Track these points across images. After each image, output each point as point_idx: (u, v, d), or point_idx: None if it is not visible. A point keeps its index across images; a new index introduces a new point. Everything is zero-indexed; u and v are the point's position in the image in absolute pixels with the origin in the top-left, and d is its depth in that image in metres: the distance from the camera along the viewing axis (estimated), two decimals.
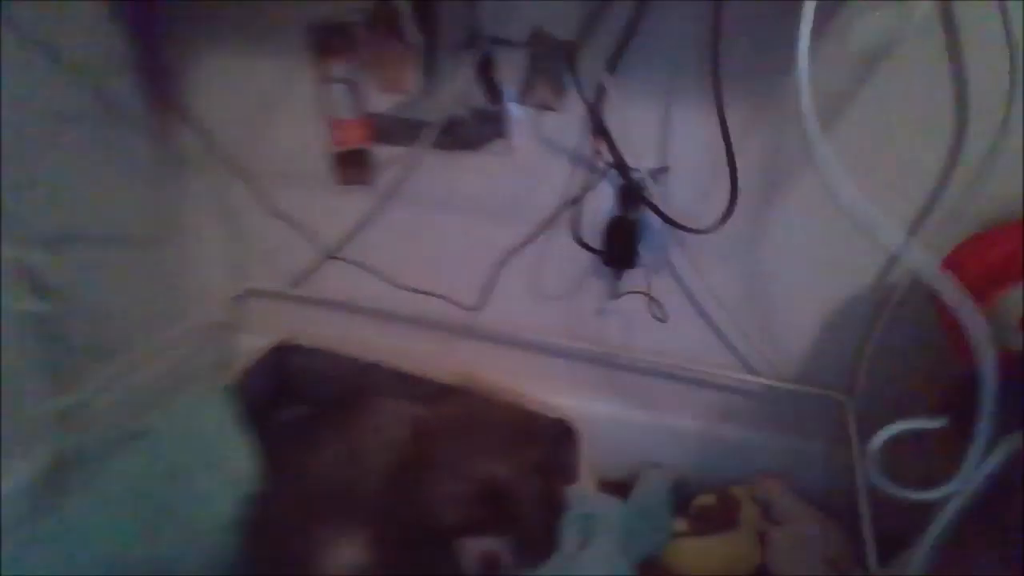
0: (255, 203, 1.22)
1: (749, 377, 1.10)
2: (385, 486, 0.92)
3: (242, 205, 1.23)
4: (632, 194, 1.02)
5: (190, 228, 1.27)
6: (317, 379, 1.20)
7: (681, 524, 1.05)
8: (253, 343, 1.29)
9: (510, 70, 1.02)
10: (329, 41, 1.09)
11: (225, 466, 1.01)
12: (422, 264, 1.18)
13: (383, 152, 1.13)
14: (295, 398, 1.20)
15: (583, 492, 1.03)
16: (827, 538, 1.00)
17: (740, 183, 0.90)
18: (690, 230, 0.96)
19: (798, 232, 1.00)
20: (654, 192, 1.00)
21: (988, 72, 0.83)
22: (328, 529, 0.90)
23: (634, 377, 1.17)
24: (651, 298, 1.07)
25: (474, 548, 0.86)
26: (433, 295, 1.18)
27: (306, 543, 0.89)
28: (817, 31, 0.69)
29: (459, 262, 1.16)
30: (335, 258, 1.22)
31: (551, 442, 1.10)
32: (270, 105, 1.13)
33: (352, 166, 1.16)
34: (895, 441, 0.84)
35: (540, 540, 0.90)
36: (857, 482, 0.95)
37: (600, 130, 0.98)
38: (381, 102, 1.09)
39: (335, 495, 0.93)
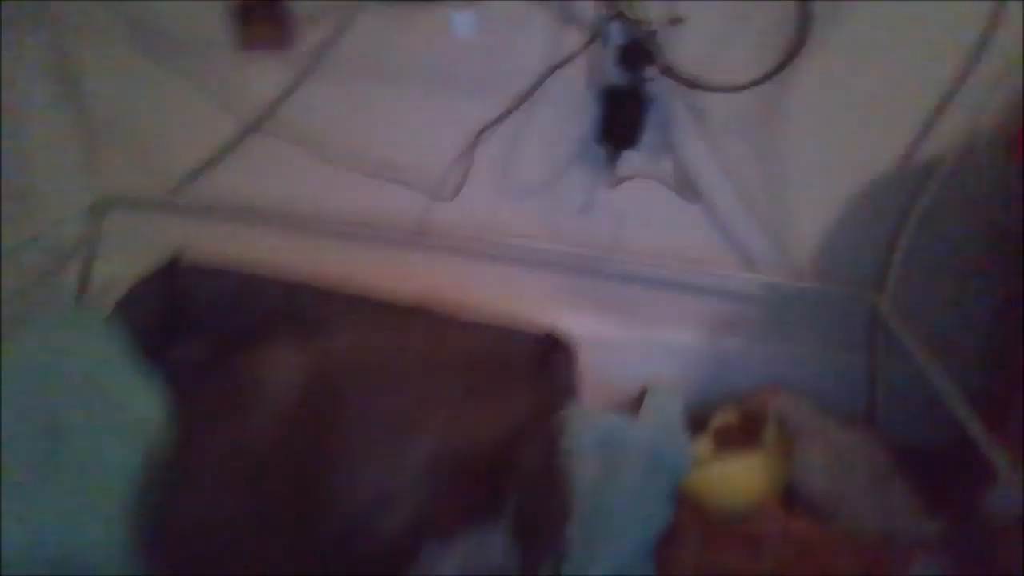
0: (113, 75, 0.91)
1: (762, 277, 0.96)
2: (290, 483, 0.61)
3: (94, 78, 0.91)
4: (640, 52, 0.83)
5: (18, 112, 0.92)
6: (219, 305, 0.92)
7: (703, 446, 0.89)
8: (114, 272, 0.98)
9: None
10: None
11: (124, 411, 0.71)
12: (361, 154, 0.92)
13: (303, 5, 0.85)
14: (188, 330, 0.91)
15: (590, 412, 0.84)
16: (865, 448, 0.89)
17: (763, 36, 0.74)
18: (726, 90, 0.79)
19: (824, 101, 0.85)
20: (665, 50, 0.82)
21: None
22: (231, 545, 0.62)
23: (626, 286, 0.99)
24: (669, 180, 0.89)
25: (444, 560, 0.51)
26: (394, 181, 0.93)
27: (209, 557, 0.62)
28: None
29: (412, 149, 0.92)
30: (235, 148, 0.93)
31: (539, 363, 0.90)
32: None
33: (260, 23, 0.87)
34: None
35: (547, 520, 0.58)
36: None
37: None
38: None
39: (234, 494, 0.63)
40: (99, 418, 0.71)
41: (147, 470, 0.68)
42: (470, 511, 0.48)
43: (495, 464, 0.49)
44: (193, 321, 0.92)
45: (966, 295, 0.91)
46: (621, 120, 0.86)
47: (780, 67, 0.77)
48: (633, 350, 1.01)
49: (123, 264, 0.97)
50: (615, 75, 0.85)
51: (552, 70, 0.85)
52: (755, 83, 0.80)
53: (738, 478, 0.87)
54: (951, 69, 0.78)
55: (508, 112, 0.88)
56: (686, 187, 0.89)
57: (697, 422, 0.95)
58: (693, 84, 0.81)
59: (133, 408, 0.74)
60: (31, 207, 0.98)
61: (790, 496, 0.88)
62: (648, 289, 0.99)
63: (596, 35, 0.83)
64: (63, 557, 0.61)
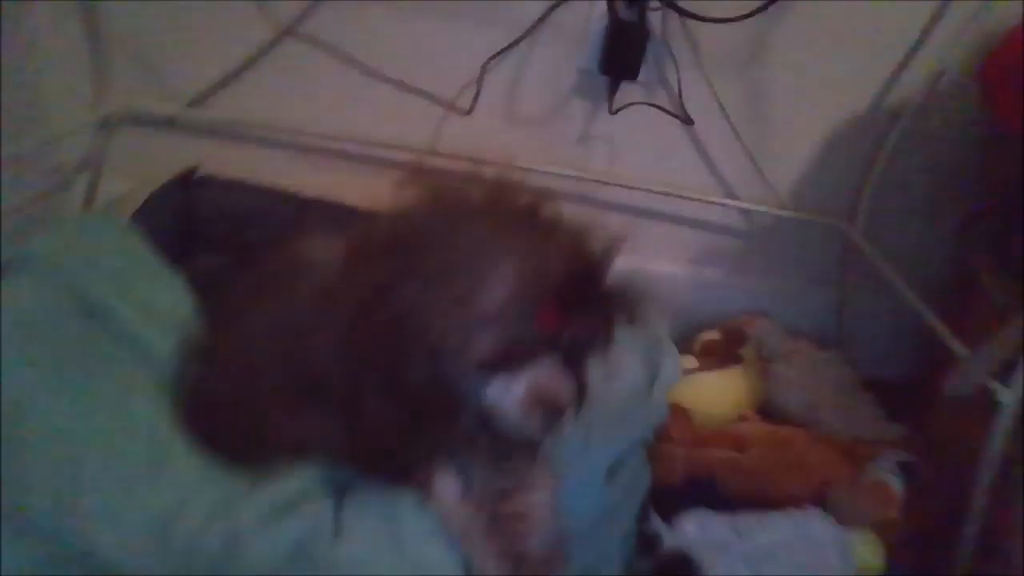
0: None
1: (745, 204, 1.03)
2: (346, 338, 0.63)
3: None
4: None
5: (22, 20, 0.93)
6: (235, 219, 0.94)
7: (688, 361, 0.97)
8: (120, 191, 0.99)
9: None
10: None
11: (154, 305, 0.75)
12: (375, 75, 0.96)
13: None
14: (204, 244, 0.94)
15: None
16: (833, 367, 0.97)
17: None
18: (723, 20, 0.86)
19: (809, 40, 0.93)
20: None
21: None
22: (283, 404, 0.67)
23: (617, 215, 1.05)
24: (661, 108, 0.96)
25: (516, 388, 0.53)
26: (418, 92, 0.97)
27: (257, 418, 0.67)
28: None
29: (426, 73, 0.96)
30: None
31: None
32: None
33: None
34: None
35: (592, 348, 0.58)
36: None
37: None
38: None
39: (283, 363, 0.67)
40: (134, 307, 0.74)
41: (187, 354, 0.72)
42: (535, 345, 0.54)
43: (557, 300, 0.54)
44: (207, 234, 0.94)
45: (931, 227, 1.00)
46: (624, 50, 0.92)
47: (767, 4, 0.84)
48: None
49: (130, 183, 0.99)
50: (620, 8, 0.91)
51: (558, 2, 0.90)
52: (745, 16, 0.86)
53: (721, 389, 0.95)
54: (927, 12, 0.87)
55: (517, 41, 0.93)
56: (679, 113, 0.96)
57: (682, 343, 1.02)
58: (690, 16, 0.88)
59: (163, 300, 0.77)
60: (36, 121, 0.99)
61: (766, 409, 0.96)
62: (637, 218, 1.05)
63: None
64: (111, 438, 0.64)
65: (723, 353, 0.99)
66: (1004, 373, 0.67)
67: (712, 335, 1.02)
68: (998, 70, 0.80)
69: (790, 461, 0.84)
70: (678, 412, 0.91)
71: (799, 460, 0.84)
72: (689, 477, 0.84)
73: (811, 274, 1.06)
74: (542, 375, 0.54)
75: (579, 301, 0.53)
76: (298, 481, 0.65)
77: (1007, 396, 0.66)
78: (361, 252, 0.59)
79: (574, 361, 0.56)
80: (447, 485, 0.65)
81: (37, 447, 0.61)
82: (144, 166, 0.99)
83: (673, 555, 0.72)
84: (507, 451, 0.61)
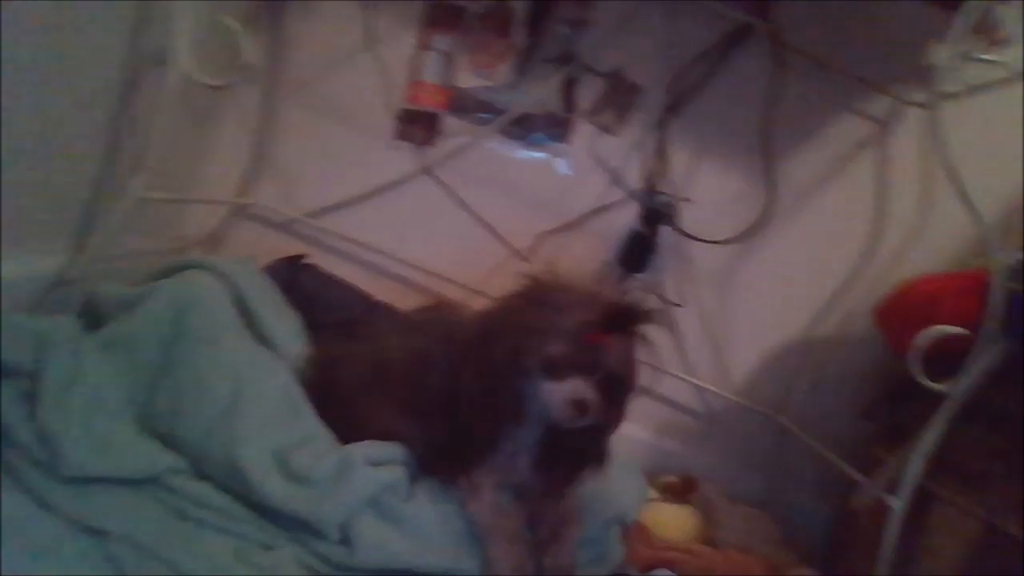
0: (297, 132, 1.27)
1: (710, 386, 1.32)
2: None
3: (287, 134, 1.28)
4: (659, 213, 1.26)
5: (219, 145, 1.26)
6: (324, 304, 1.18)
7: (651, 493, 1.19)
8: None
9: (588, 92, 1.27)
10: (438, 14, 1.25)
11: (288, 317, 0.97)
12: (452, 230, 1.29)
13: (451, 123, 1.27)
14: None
15: None
16: (762, 523, 1.20)
17: (735, 224, 1.21)
18: (711, 241, 1.23)
19: (771, 265, 1.29)
20: (676, 214, 1.27)
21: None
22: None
23: None
24: (660, 296, 1.29)
25: (561, 393, 0.79)
26: (493, 231, 1.29)
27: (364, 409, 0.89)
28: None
29: (507, 228, 1.29)
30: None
31: None
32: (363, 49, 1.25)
33: (417, 125, 1.27)
34: None
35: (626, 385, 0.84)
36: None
37: (659, 156, 1.25)
38: (467, 80, 1.26)
39: (403, 376, 0.89)
40: (270, 312, 0.96)
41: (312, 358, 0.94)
42: (582, 361, 0.79)
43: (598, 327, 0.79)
44: (300, 308, 1.17)
45: (845, 412, 1.29)
46: (637, 253, 1.28)
47: (744, 235, 1.22)
48: None
49: None
50: (639, 223, 1.28)
51: (601, 208, 1.27)
52: (726, 242, 1.24)
53: (677, 519, 1.16)
54: (849, 265, 1.27)
55: (564, 227, 1.28)
56: (670, 302, 1.29)
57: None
58: (688, 236, 1.25)
59: (287, 317, 1.00)
60: (181, 183, 1.24)
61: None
62: None
63: (633, 196, 1.27)
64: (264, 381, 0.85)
65: (678, 493, 1.21)
66: (891, 489, 0.94)
67: (671, 478, 1.25)
68: (885, 311, 1.17)
69: (733, 562, 1.04)
70: (641, 527, 1.12)
71: (741, 564, 1.04)
72: (650, 565, 1.03)
73: (751, 456, 1.33)
74: (579, 384, 0.79)
75: (614, 329, 0.80)
76: (391, 450, 0.84)
77: (896, 503, 0.92)
78: (489, 311, 0.87)
79: (609, 390, 0.81)
80: (486, 489, 0.84)
81: (217, 371, 0.80)
82: (248, 253, 1.25)
83: None
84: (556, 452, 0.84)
